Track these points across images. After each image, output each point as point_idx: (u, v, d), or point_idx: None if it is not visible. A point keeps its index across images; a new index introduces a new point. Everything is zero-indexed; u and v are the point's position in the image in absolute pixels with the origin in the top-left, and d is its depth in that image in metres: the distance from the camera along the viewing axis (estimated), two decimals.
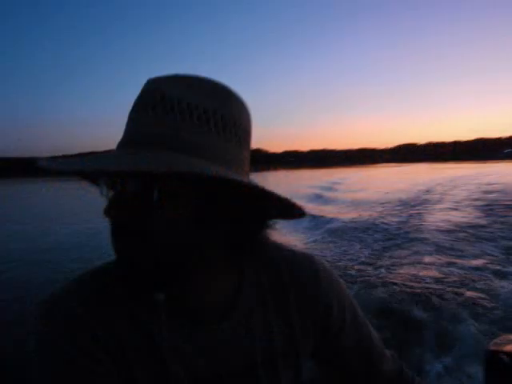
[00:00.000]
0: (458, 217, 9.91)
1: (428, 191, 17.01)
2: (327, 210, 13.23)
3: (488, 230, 8.05)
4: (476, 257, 6.22)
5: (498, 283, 4.99)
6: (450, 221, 9.31)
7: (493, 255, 6.26)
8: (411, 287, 4.99)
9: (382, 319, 4.00)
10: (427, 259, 6.21)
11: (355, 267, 6.22)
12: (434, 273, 5.53)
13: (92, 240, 10.39)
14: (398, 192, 17.01)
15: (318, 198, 18.31)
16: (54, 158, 0.54)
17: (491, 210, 10.47)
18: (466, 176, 25.39)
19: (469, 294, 4.68)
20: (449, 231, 8.17)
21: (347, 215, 11.76)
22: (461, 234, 7.81)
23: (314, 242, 8.70)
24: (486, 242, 7.12)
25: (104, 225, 0.58)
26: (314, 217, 11.07)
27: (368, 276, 5.65)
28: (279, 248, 0.72)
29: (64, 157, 0.59)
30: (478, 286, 4.92)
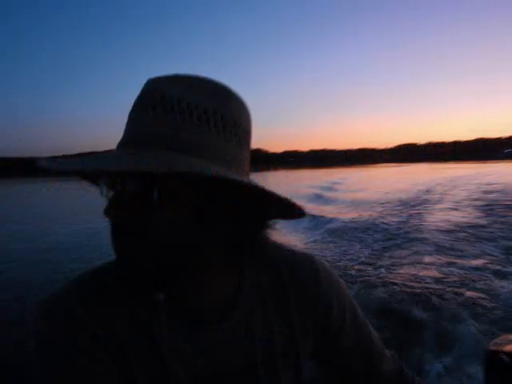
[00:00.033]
0: (457, 217, 9.91)
1: (428, 191, 17.00)
2: (327, 210, 13.23)
3: (488, 229, 8.05)
4: (476, 257, 6.22)
5: (497, 283, 4.99)
6: (449, 221, 9.31)
7: (493, 255, 6.26)
8: (411, 287, 4.99)
9: (381, 319, 4.00)
10: (427, 259, 6.21)
11: (355, 267, 6.22)
12: (433, 273, 5.52)
13: (92, 240, 10.38)
14: (398, 192, 17.00)
15: (318, 198, 18.30)
16: (54, 158, 0.54)
17: (491, 210, 10.46)
18: (466, 176, 25.38)
19: (469, 293, 4.68)
20: (449, 231, 8.16)
21: (347, 215, 11.76)
22: (461, 234, 7.81)
23: (314, 242, 8.70)
24: (485, 241, 7.12)
25: (104, 225, 0.58)
26: (313, 217, 11.06)
27: (368, 276, 5.65)
28: (279, 248, 0.72)
29: (64, 157, 0.59)
30: (478, 286, 4.91)
